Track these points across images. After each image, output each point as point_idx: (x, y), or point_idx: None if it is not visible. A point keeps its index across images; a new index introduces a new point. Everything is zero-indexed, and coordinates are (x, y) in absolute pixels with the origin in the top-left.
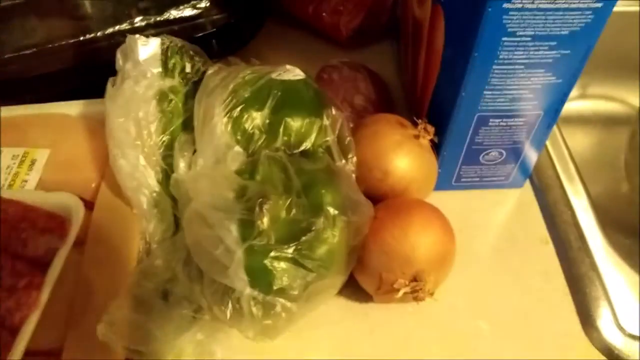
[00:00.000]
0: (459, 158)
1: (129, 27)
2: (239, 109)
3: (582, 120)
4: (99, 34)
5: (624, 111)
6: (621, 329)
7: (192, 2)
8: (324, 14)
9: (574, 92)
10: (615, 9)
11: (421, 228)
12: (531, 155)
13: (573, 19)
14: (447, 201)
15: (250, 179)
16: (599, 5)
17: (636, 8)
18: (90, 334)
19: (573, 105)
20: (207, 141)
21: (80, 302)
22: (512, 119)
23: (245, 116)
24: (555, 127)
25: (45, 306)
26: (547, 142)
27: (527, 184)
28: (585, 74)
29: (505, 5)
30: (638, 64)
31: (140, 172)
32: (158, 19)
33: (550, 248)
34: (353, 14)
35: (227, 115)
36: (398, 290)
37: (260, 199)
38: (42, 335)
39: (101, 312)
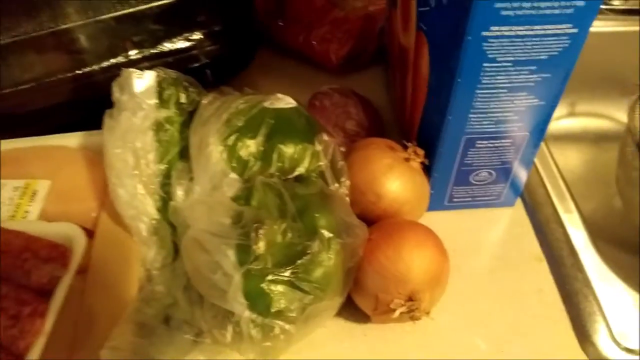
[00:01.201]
0: (450, 179)
1: (124, 60)
2: (233, 137)
3: (572, 138)
4: (95, 67)
5: (613, 128)
6: (617, 343)
7: (185, 35)
8: (313, 42)
9: (563, 111)
10: (601, 29)
11: (414, 248)
12: (521, 174)
13: (551, 44)
14: (440, 221)
15: (246, 205)
16: (575, 30)
17: (621, 28)
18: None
19: (562, 123)
20: (203, 169)
21: (84, 329)
22: (499, 140)
23: (240, 144)
24: (544, 146)
25: (49, 333)
26: (537, 161)
27: (519, 202)
28: (573, 93)
29: (484, 33)
30: (624, 81)
31: (139, 201)
32: (153, 51)
33: (543, 265)
34: (342, 42)
35: (222, 143)
36: (394, 310)
37: (256, 224)
38: None
39: (104, 337)
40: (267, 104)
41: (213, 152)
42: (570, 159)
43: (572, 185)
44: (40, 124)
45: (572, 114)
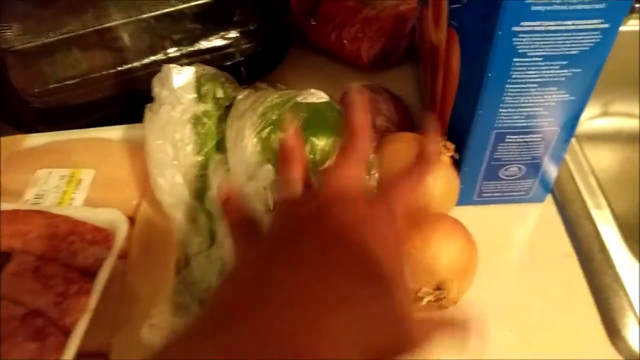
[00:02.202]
0: (480, 174)
1: (163, 57)
2: (267, 130)
3: (605, 138)
4: (136, 64)
5: None
6: None
7: (222, 33)
8: (345, 41)
9: (597, 110)
10: (634, 27)
11: (442, 238)
12: (551, 170)
13: (582, 39)
14: (469, 216)
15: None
16: (606, 25)
17: None
18: (135, 337)
19: (596, 123)
20: (239, 160)
21: (125, 308)
22: (529, 135)
23: (274, 137)
24: (575, 143)
25: (93, 311)
26: (568, 158)
27: (549, 198)
28: (607, 92)
29: (515, 29)
30: None
31: (177, 190)
32: (190, 49)
33: (573, 260)
34: (373, 40)
35: (257, 136)
36: (422, 298)
37: None
38: (91, 337)
39: (144, 317)
40: (300, 99)
41: (248, 144)
42: (604, 158)
43: (605, 185)
44: (84, 117)
45: (605, 113)
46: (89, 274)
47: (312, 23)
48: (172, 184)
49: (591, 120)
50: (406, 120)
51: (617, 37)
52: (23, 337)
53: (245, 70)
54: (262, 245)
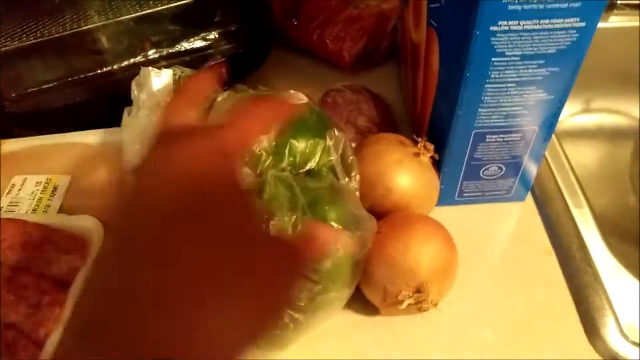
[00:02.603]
0: (460, 174)
1: (143, 59)
2: None
3: (586, 134)
4: (114, 66)
5: (628, 124)
6: (625, 336)
7: (202, 34)
8: (327, 40)
9: (578, 107)
10: (616, 24)
11: (423, 241)
12: (531, 169)
13: (559, 38)
14: (450, 216)
15: (258, 198)
16: (582, 24)
17: (637, 23)
18: None
19: (577, 120)
20: None
21: None
22: (509, 135)
23: None
24: (555, 141)
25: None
26: (547, 156)
27: (529, 197)
28: (588, 89)
29: (492, 28)
30: (639, 78)
31: None
32: (170, 51)
33: (553, 259)
34: (355, 40)
35: None
36: (402, 301)
37: (267, 216)
38: None
39: None
40: None
41: None
42: (585, 155)
43: (585, 181)
44: (62, 121)
45: (587, 110)
46: (64, 283)
47: (294, 22)
48: None
49: (572, 116)
50: (388, 121)
51: (599, 34)
52: None
53: (226, 71)
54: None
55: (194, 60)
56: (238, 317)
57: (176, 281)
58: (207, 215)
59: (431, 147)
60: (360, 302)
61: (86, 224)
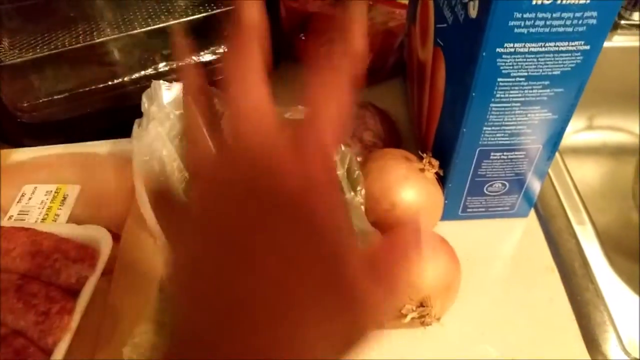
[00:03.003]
0: (464, 190)
1: (153, 72)
2: None
3: (590, 151)
4: (126, 78)
5: (631, 141)
6: (627, 353)
7: (212, 49)
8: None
9: (581, 124)
10: (620, 44)
11: (427, 255)
12: (534, 186)
13: (564, 60)
14: (454, 231)
15: None
16: (587, 47)
17: (638, 43)
18: (117, 356)
19: (581, 137)
20: None
21: (108, 327)
22: (513, 152)
23: None
24: (559, 158)
25: (76, 330)
26: (551, 173)
27: (532, 213)
28: (591, 106)
29: (499, 50)
30: None
31: None
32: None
33: (555, 275)
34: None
35: None
36: (406, 315)
37: None
38: (73, 356)
39: (127, 336)
40: (287, 115)
41: None
42: (588, 171)
43: (588, 198)
44: (73, 132)
45: (590, 127)
46: (72, 292)
47: (302, 38)
48: None
49: (576, 133)
50: (393, 136)
51: (603, 53)
52: (2, 358)
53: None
54: (191, 235)
55: (205, 73)
56: (331, 331)
57: (275, 288)
58: (314, 213)
59: (436, 163)
60: None
61: (95, 233)
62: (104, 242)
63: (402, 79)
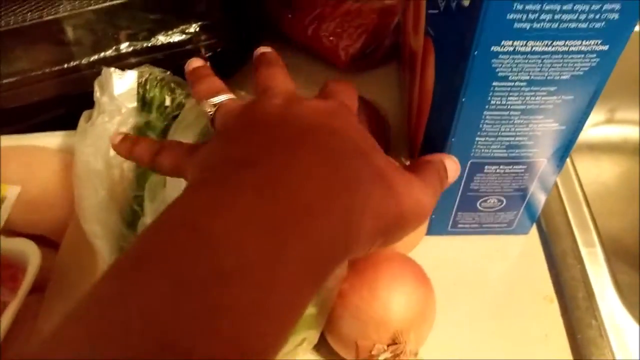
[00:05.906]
0: (454, 204)
1: (114, 53)
2: None
3: (609, 148)
4: (83, 61)
5: None
6: None
7: (182, 27)
8: (323, 36)
9: (601, 117)
10: None
11: (390, 283)
12: (537, 201)
13: (575, 63)
14: (442, 248)
15: None
16: (605, 47)
17: None
18: None
19: (600, 131)
20: (178, 180)
21: None
22: (511, 166)
23: None
24: (569, 163)
25: None
26: (559, 182)
27: (534, 230)
28: (613, 98)
29: (494, 48)
30: None
31: (106, 216)
32: (145, 45)
33: (554, 307)
34: (353, 38)
35: None
36: (377, 356)
37: None
38: None
39: None
40: None
41: None
42: (605, 170)
43: (603, 200)
44: (23, 121)
45: (611, 120)
46: None
47: (288, 15)
48: (100, 208)
49: (595, 127)
50: (381, 135)
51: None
52: None
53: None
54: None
55: (170, 56)
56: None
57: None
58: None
59: None
60: (333, 349)
61: (22, 247)
62: (31, 258)
63: (397, 65)
